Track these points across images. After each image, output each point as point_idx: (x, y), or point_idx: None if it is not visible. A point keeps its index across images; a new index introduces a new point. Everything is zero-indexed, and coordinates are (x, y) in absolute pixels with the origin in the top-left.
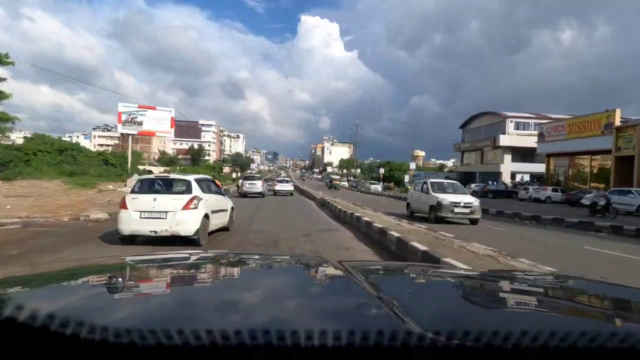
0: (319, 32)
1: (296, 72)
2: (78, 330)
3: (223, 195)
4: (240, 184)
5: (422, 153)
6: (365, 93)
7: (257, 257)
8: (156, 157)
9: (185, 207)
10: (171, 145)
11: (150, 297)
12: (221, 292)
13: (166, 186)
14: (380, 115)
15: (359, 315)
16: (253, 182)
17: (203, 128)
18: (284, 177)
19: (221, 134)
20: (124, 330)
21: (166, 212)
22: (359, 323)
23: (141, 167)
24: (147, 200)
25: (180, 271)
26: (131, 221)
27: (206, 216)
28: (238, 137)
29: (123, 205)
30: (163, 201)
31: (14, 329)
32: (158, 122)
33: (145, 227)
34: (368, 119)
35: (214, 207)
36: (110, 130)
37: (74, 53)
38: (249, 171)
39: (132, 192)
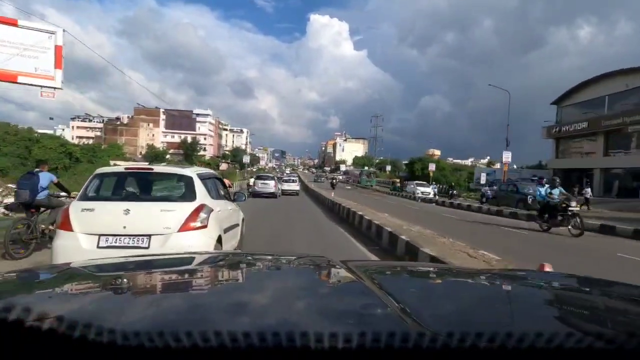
0: (328, 32)
1: (305, 72)
2: (85, 332)
3: (234, 201)
4: (252, 183)
5: (438, 152)
6: (375, 93)
7: (262, 257)
8: (143, 152)
9: (186, 227)
10: (161, 138)
11: (155, 298)
12: (227, 293)
13: (148, 187)
14: (389, 115)
15: (366, 316)
16: (266, 181)
17: (198, 119)
18: (289, 174)
19: (220, 126)
20: (132, 333)
21: (149, 235)
22: (367, 324)
23: (113, 163)
24: (113, 214)
25: (186, 272)
26: (79, 255)
27: (219, 240)
28: (241, 131)
29: (64, 224)
30: (144, 215)
31: (20, 332)
32: (24, 54)
33: None
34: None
35: (227, 222)
36: (91, 120)
37: (84, 50)
38: (250, 168)
39: (83, 198)
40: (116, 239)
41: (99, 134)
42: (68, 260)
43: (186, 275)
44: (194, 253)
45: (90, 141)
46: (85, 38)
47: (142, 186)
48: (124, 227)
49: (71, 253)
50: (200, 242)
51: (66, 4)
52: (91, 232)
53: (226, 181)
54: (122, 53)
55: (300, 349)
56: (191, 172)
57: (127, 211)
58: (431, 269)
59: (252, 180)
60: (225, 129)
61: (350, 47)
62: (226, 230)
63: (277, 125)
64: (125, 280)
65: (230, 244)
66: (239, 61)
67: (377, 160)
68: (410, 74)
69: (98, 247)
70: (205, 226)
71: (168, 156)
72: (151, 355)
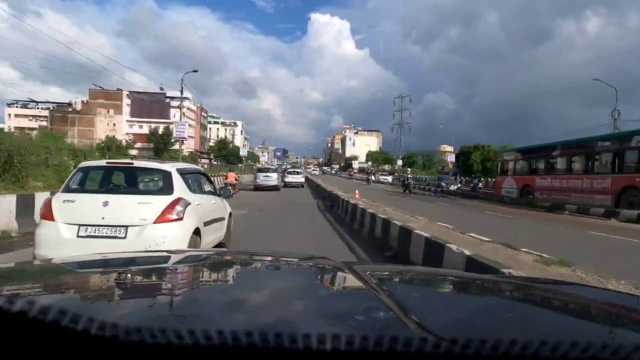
0: (330, 31)
1: (307, 71)
2: (88, 326)
3: (219, 195)
4: (254, 176)
5: (451, 148)
6: (378, 91)
7: (262, 256)
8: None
9: (162, 219)
10: (125, 128)
11: (153, 294)
12: (226, 292)
13: (128, 181)
14: (392, 114)
15: (369, 320)
16: (268, 174)
17: (173, 103)
18: (293, 168)
19: (204, 115)
20: (134, 329)
21: (126, 226)
22: (369, 327)
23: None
24: (93, 205)
25: (183, 269)
26: (60, 243)
27: (197, 232)
28: (235, 124)
29: (47, 214)
30: (122, 207)
31: (23, 323)
32: None
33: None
34: (381, 117)
35: (208, 215)
36: (36, 106)
37: (84, 52)
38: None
39: (66, 189)
40: (95, 229)
41: (44, 122)
42: (49, 247)
43: (187, 273)
44: (189, 250)
45: (33, 133)
46: (86, 38)
47: (122, 180)
48: (103, 218)
49: (52, 241)
50: (175, 233)
51: (67, 6)
52: (71, 222)
53: (232, 175)
54: (122, 53)
55: (301, 350)
56: (170, 167)
57: (105, 203)
58: (439, 274)
59: (255, 173)
60: (217, 122)
61: (352, 46)
62: (206, 224)
63: (280, 125)
64: (128, 275)
65: (212, 237)
66: (240, 62)
67: (403, 155)
68: (414, 71)
69: (78, 236)
70: (180, 218)
71: (135, 152)
72: (147, 352)
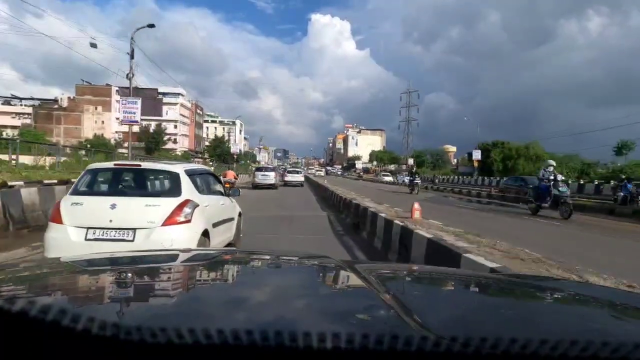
0: (330, 31)
1: (308, 72)
2: (89, 326)
3: (228, 196)
4: (253, 175)
5: (454, 148)
6: (379, 92)
7: (265, 255)
8: (89, 146)
9: (170, 221)
10: (114, 126)
11: (154, 293)
12: (226, 290)
13: (136, 182)
14: (394, 114)
15: (368, 318)
16: (266, 173)
17: (165, 100)
18: (293, 167)
19: (199, 112)
20: (135, 328)
21: (134, 229)
22: (369, 326)
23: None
24: (100, 208)
25: (185, 268)
26: (68, 245)
27: (205, 234)
28: (233, 123)
29: (55, 217)
30: (129, 209)
31: (24, 323)
32: None
33: None
34: (382, 118)
35: (217, 217)
36: (20, 103)
37: (84, 52)
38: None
39: (74, 192)
40: (103, 232)
41: (27, 120)
42: (58, 251)
43: (188, 272)
44: (193, 250)
45: (15, 131)
46: (84, 40)
47: (129, 182)
48: (110, 221)
49: (61, 245)
50: (183, 236)
51: (67, 8)
52: (79, 225)
53: (230, 173)
54: (122, 54)
55: (301, 349)
56: (178, 168)
57: (113, 205)
58: (439, 272)
59: (253, 172)
60: (214, 121)
61: (352, 47)
62: (215, 225)
63: (281, 126)
64: (129, 274)
65: (221, 238)
66: (241, 62)
67: (412, 153)
68: (415, 72)
69: (86, 239)
70: (189, 221)
71: (125, 151)
72: (148, 351)
